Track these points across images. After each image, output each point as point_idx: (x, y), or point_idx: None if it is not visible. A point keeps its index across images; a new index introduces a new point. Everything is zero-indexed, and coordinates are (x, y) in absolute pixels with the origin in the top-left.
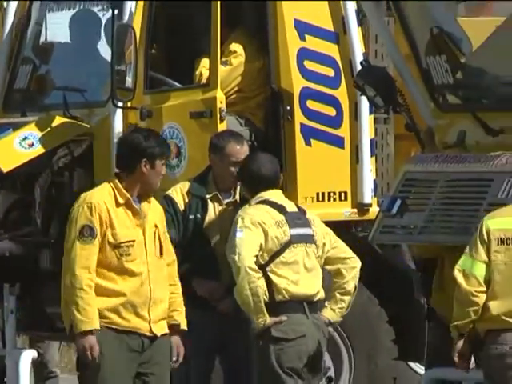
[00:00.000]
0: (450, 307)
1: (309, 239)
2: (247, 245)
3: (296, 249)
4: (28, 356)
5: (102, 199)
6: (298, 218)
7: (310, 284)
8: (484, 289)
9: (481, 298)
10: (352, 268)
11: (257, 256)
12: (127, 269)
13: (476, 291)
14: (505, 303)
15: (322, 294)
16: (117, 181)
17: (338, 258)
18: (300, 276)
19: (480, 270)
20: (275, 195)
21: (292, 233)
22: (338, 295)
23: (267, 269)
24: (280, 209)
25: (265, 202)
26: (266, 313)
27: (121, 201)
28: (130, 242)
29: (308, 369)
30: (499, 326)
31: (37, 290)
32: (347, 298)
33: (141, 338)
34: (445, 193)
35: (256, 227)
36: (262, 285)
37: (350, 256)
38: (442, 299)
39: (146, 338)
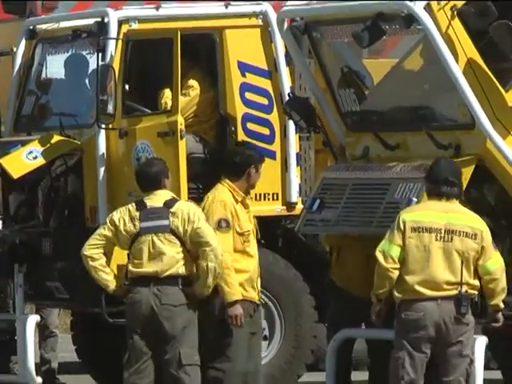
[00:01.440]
0: (349, 281)
1: (160, 229)
2: (92, 237)
3: (142, 238)
4: (33, 320)
5: (229, 198)
6: (153, 213)
7: (151, 265)
8: (397, 266)
9: (395, 274)
10: (203, 251)
11: (104, 246)
12: (248, 251)
13: (391, 268)
14: (417, 277)
15: (171, 271)
16: (231, 183)
17: (196, 242)
18: (143, 260)
19: (395, 252)
20: (151, 195)
21: (142, 226)
22: (199, 273)
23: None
24: (139, 206)
25: (136, 201)
26: (109, 284)
27: (238, 199)
28: (248, 231)
29: (147, 330)
30: (413, 296)
31: (40, 269)
32: (204, 276)
33: (252, 305)
34: (353, 194)
35: (109, 224)
36: (97, 265)
37: (204, 240)
38: (341, 275)
39: (256, 305)
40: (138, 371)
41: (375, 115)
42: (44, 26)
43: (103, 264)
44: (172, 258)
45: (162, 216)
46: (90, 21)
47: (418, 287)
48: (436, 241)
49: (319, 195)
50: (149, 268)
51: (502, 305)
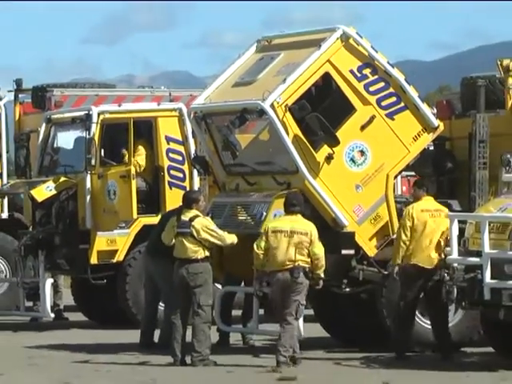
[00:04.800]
0: (230, 266)
1: (185, 234)
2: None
3: (178, 238)
4: (49, 282)
5: None
6: (182, 223)
7: (180, 251)
8: (263, 252)
9: (262, 256)
10: (214, 241)
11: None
12: None
13: (261, 253)
14: (277, 258)
15: (192, 256)
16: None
17: (209, 242)
18: (178, 250)
19: (262, 244)
20: (186, 212)
21: (177, 231)
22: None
23: None
24: (177, 218)
25: (177, 216)
26: None
27: None
28: None
29: (182, 286)
30: (272, 269)
31: (53, 252)
32: (223, 242)
33: None
34: (231, 210)
35: (168, 225)
36: None
37: (214, 240)
38: (226, 264)
39: None
40: (175, 312)
41: (242, 166)
42: (56, 116)
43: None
44: (191, 249)
45: (186, 226)
46: (82, 113)
47: (273, 265)
48: (284, 237)
49: (211, 211)
50: (181, 254)
51: (322, 275)
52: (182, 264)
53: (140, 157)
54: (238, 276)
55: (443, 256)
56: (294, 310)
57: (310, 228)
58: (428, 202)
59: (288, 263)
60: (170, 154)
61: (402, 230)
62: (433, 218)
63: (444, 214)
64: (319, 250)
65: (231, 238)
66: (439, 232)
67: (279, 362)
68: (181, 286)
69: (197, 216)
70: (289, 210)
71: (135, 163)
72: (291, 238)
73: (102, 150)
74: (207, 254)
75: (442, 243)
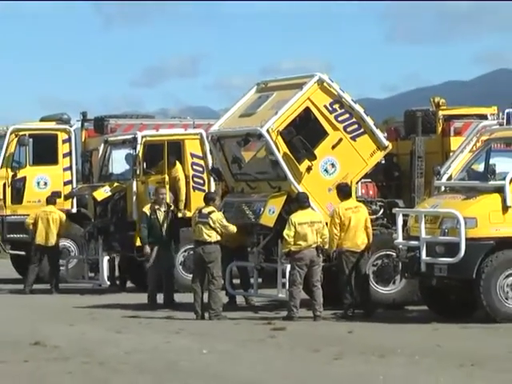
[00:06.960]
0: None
1: (204, 223)
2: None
3: (197, 225)
4: (106, 258)
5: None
6: (202, 214)
7: (199, 235)
8: (293, 239)
9: (292, 242)
10: (222, 229)
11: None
12: None
13: (291, 240)
14: (302, 242)
15: (208, 239)
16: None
17: (221, 228)
18: (197, 234)
19: (292, 233)
20: (206, 207)
21: (198, 220)
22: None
23: None
24: (199, 211)
25: (199, 209)
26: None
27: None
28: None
29: (199, 263)
30: (300, 248)
31: (109, 237)
32: (226, 231)
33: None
34: (237, 207)
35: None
36: None
37: (224, 227)
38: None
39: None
40: (195, 280)
41: (246, 175)
42: (111, 138)
43: None
44: (207, 234)
45: (205, 217)
46: (130, 136)
47: (302, 245)
48: (308, 227)
49: (223, 207)
50: (199, 236)
51: (330, 251)
52: (199, 245)
53: (181, 174)
54: (231, 246)
55: (370, 240)
56: (320, 277)
57: (321, 217)
58: (349, 202)
59: (313, 244)
60: (194, 166)
61: (334, 225)
62: (354, 214)
63: (362, 208)
64: (326, 231)
65: (233, 229)
66: (362, 223)
67: (317, 316)
68: (198, 261)
69: (214, 211)
70: (304, 205)
71: (179, 183)
72: (312, 227)
73: (145, 164)
74: (218, 238)
75: (367, 230)
